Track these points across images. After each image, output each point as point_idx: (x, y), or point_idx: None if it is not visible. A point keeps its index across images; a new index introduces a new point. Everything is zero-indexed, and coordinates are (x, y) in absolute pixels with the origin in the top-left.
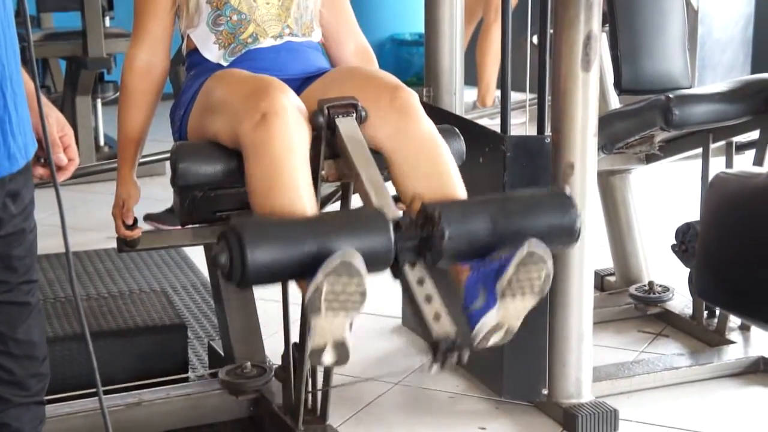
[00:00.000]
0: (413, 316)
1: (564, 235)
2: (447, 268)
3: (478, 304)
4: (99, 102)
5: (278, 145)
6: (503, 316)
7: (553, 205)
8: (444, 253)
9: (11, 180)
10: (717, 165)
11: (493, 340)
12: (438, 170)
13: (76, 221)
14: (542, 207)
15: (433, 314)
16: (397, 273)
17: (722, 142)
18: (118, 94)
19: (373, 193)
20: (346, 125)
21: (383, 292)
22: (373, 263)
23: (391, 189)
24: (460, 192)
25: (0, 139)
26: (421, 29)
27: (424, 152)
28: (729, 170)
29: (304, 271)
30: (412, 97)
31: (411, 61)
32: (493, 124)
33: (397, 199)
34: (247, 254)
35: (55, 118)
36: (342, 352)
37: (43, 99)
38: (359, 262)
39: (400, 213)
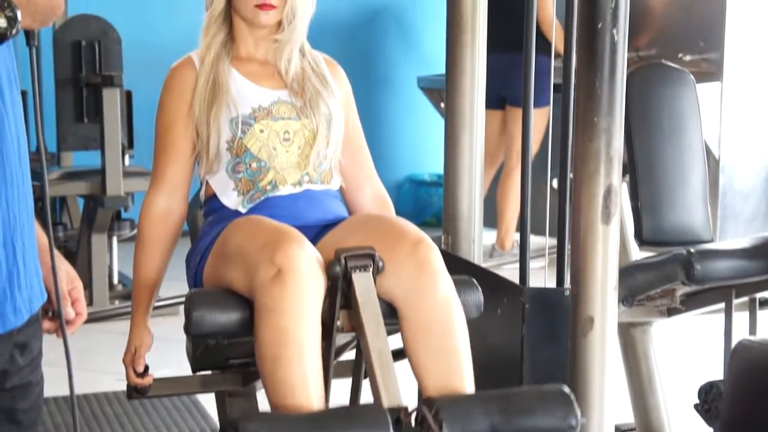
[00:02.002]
0: None
1: None
2: None
3: None
4: (115, 239)
5: (289, 308)
6: None
7: (554, 407)
8: None
9: (19, 332)
10: (740, 319)
11: None
12: (446, 353)
13: (86, 362)
14: (542, 408)
15: None
16: None
17: (745, 298)
18: (134, 231)
19: (379, 373)
20: (362, 284)
21: None
22: None
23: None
24: (467, 380)
25: (8, 292)
26: (440, 170)
27: (438, 325)
28: (752, 338)
29: None
30: (432, 253)
31: (429, 202)
32: (513, 267)
33: None
34: None
35: (65, 271)
36: None
37: (56, 253)
38: None
39: (404, 403)
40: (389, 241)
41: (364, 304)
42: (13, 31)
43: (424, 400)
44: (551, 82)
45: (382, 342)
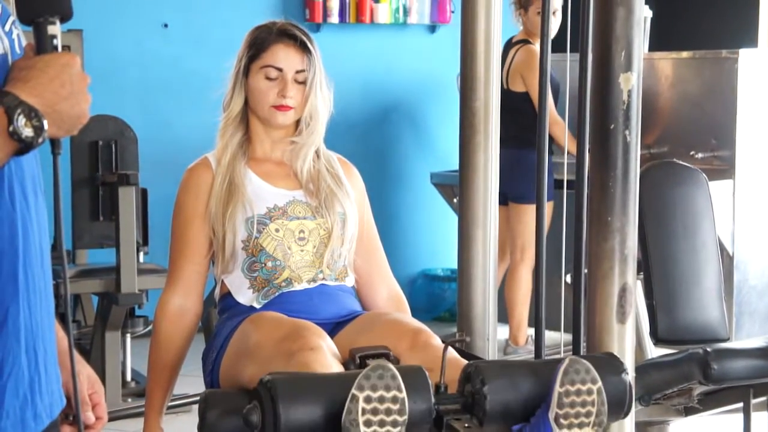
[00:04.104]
0: None
1: (614, 400)
2: None
3: None
4: (128, 337)
5: (315, 367)
6: None
7: (602, 366)
8: (488, 410)
9: None
10: (759, 419)
11: None
12: None
13: None
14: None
15: None
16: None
17: (763, 398)
18: (148, 328)
19: None
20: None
21: None
22: (414, 419)
23: None
24: None
25: (29, 398)
26: (453, 264)
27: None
28: None
29: (340, 427)
30: (433, 339)
31: (443, 297)
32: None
33: None
34: (281, 412)
35: (86, 375)
36: None
37: (76, 356)
38: (395, 373)
39: None
40: (393, 336)
41: None
42: (40, 140)
43: (464, 366)
44: (552, 177)
45: None
